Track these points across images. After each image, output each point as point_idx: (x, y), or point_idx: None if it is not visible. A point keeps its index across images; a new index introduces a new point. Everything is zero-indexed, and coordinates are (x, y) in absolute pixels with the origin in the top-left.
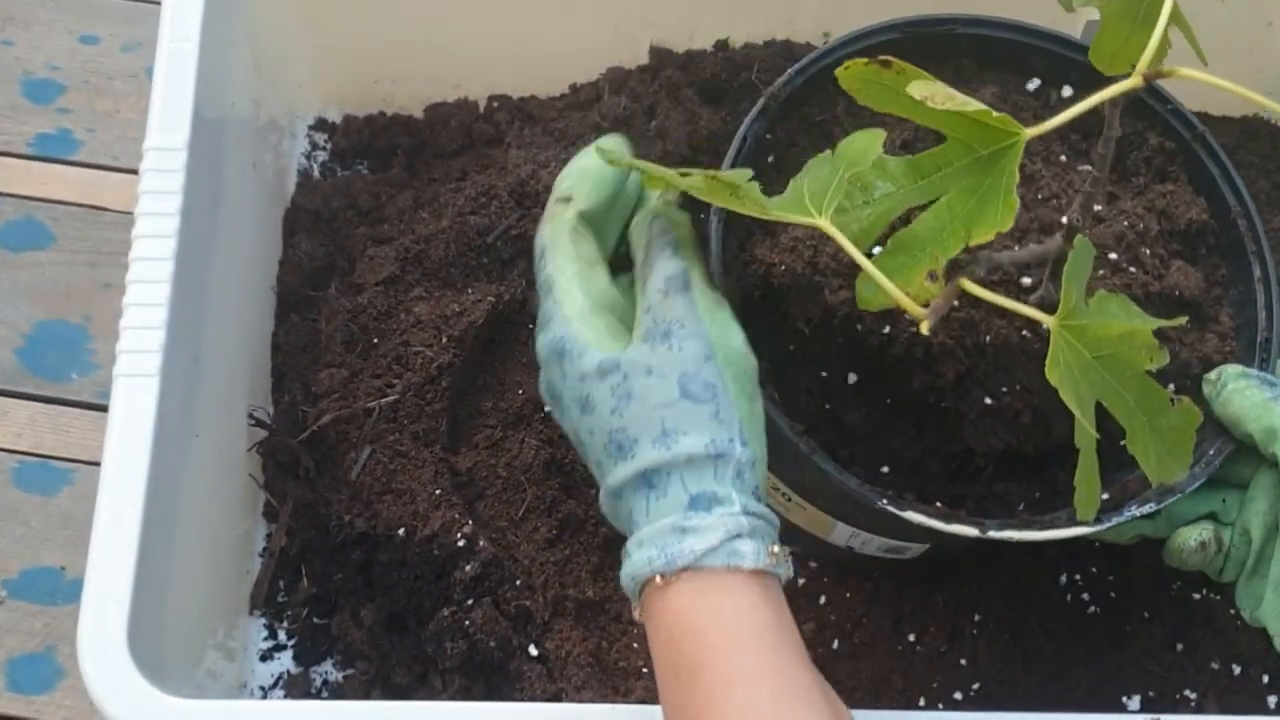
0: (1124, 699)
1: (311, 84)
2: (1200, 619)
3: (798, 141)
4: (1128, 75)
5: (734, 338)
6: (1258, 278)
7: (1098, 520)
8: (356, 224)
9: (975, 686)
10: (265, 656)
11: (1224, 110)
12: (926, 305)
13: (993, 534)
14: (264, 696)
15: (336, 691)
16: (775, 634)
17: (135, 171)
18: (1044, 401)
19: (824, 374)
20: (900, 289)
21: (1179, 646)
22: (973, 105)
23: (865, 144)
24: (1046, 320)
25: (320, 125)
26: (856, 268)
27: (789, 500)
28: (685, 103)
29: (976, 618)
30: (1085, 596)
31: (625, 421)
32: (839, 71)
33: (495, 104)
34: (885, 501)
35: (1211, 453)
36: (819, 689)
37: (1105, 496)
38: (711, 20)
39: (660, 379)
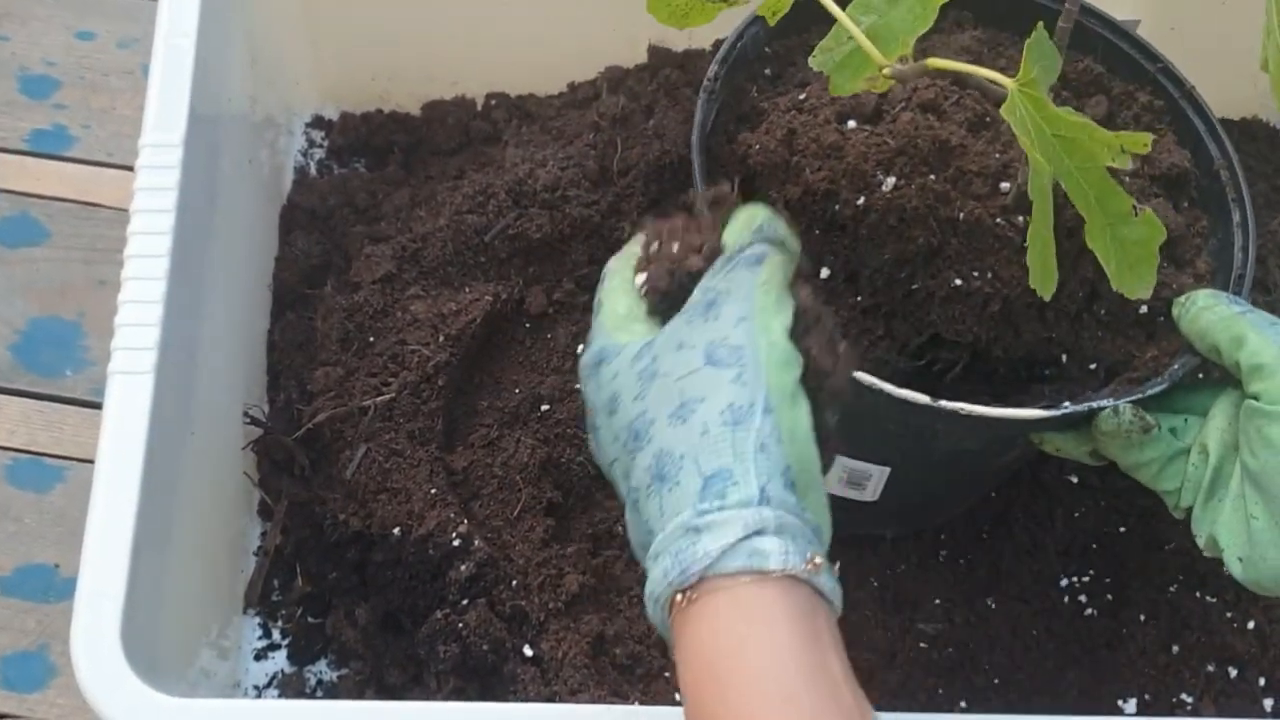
0: (1119, 702)
1: (308, 81)
2: (1196, 622)
3: (796, 61)
4: None
5: (781, 318)
6: (1236, 223)
7: (1055, 406)
8: (353, 222)
9: (973, 689)
10: (259, 655)
11: (1223, 112)
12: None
13: (943, 404)
14: (258, 696)
15: (331, 691)
16: (811, 684)
17: (131, 168)
18: (1014, 293)
19: None
20: (873, 72)
21: (1175, 649)
22: None
23: None
24: (1005, 81)
25: (317, 122)
26: (833, 150)
27: None
28: (683, 102)
29: (973, 619)
30: (1082, 599)
31: (646, 404)
32: None
33: (493, 102)
34: None
35: (1176, 367)
36: None
37: (1067, 404)
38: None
39: (689, 350)
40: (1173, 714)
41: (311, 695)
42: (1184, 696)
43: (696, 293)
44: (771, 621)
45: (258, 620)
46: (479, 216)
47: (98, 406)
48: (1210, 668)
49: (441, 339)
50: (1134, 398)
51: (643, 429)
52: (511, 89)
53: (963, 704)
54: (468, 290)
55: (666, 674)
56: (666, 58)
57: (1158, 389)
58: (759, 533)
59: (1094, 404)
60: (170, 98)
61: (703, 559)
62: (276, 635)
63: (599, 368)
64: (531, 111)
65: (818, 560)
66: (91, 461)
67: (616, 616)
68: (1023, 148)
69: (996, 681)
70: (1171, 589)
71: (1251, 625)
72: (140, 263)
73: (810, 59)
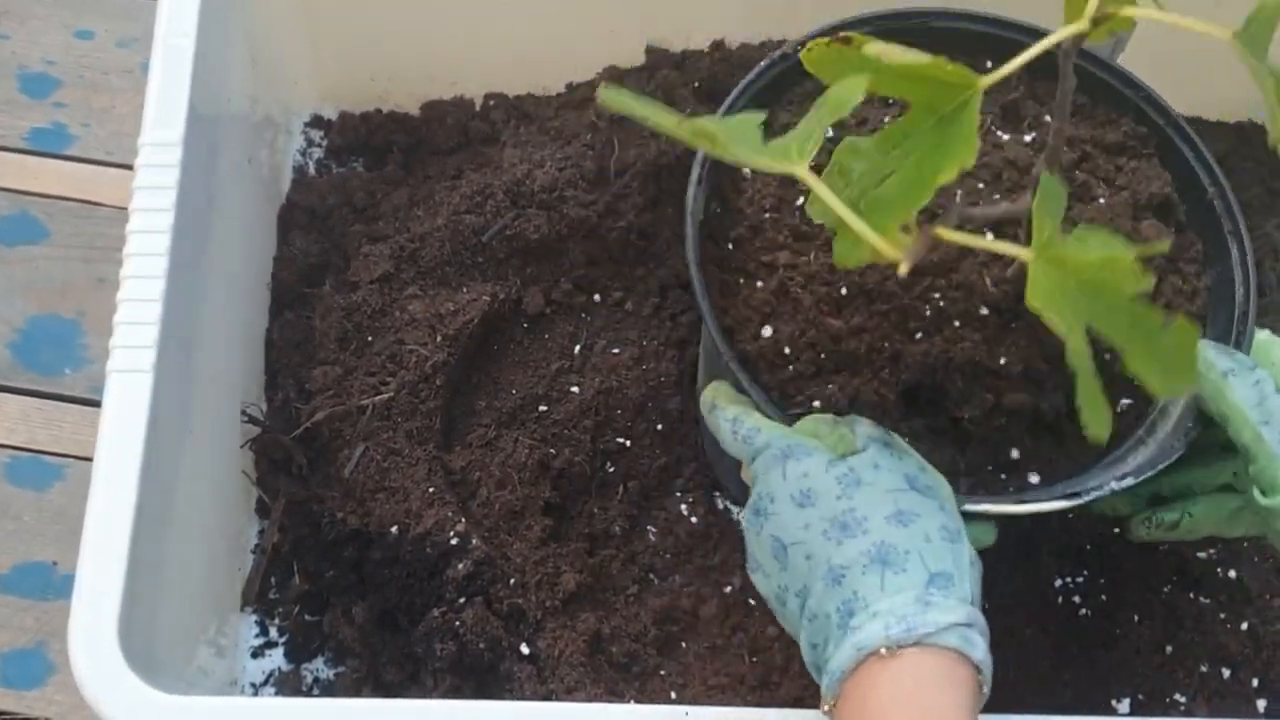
0: (1114, 702)
1: (308, 80)
2: (1190, 622)
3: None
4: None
5: (941, 477)
6: (1235, 259)
7: (1077, 495)
8: (352, 221)
9: None
10: (257, 653)
11: (1218, 115)
12: None
13: (968, 507)
14: (255, 693)
15: (328, 689)
16: None
17: (130, 167)
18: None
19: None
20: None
21: (1169, 649)
22: (925, 58)
23: (846, 90)
24: (1022, 253)
25: (316, 122)
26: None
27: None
28: (681, 103)
29: None
30: (1076, 599)
31: (854, 504)
32: (804, 54)
33: (491, 102)
34: None
35: (1190, 425)
36: None
37: (1060, 493)
38: (708, 21)
39: (889, 473)
40: (1166, 714)
41: (308, 693)
42: (1178, 696)
43: (873, 442)
44: (962, 692)
45: (255, 618)
46: (477, 217)
47: (97, 405)
48: (1204, 668)
49: (439, 339)
50: (1154, 471)
51: (854, 523)
52: (510, 89)
53: None
54: (465, 290)
55: (662, 672)
56: (664, 58)
57: (1171, 459)
58: (970, 625)
59: (1116, 487)
60: (170, 97)
61: (930, 626)
62: (274, 633)
63: (785, 461)
64: (529, 112)
65: (990, 672)
66: (90, 459)
67: (613, 615)
68: (1053, 329)
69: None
70: (1165, 590)
71: (1245, 626)
72: (139, 261)
73: (808, 205)
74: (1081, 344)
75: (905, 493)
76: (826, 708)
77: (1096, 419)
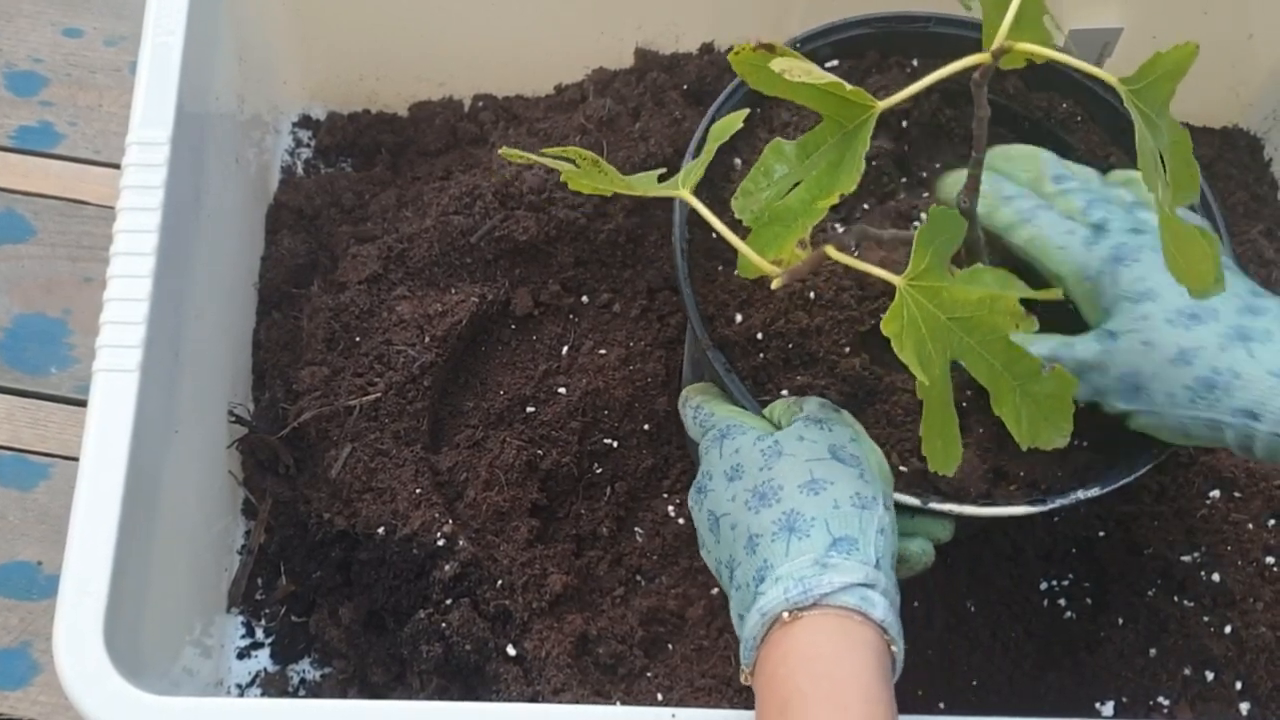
0: (1097, 705)
1: (296, 80)
2: (1174, 625)
3: (758, 145)
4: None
5: (876, 448)
6: None
7: (1041, 502)
8: (339, 222)
9: (952, 690)
10: (242, 654)
11: (1205, 121)
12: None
13: (932, 504)
14: (241, 694)
15: (314, 690)
16: (884, 703)
17: (117, 165)
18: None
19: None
20: (776, 255)
21: (1152, 652)
22: (826, 78)
23: (728, 123)
24: (894, 280)
25: (304, 122)
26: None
27: None
28: (669, 105)
29: (953, 621)
30: (1061, 602)
31: (773, 474)
32: (731, 57)
33: (480, 103)
34: None
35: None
36: None
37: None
38: (698, 23)
39: (811, 444)
40: (1150, 717)
41: (294, 694)
42: (1161, 699)
43: (800, 415)
44: (865, 650)
45: (241, 619)
46: (465, 218)
47: (82, 404)
48: (1187, 670)
49: (427, 339)
50: (1123, 484)
51: (770, 492)
52: (498, 90)
53: (941, 705)
54: (454, 291)
55: (649, 674)
56: (654, 60)
57: (1118, 484)
58: (870, 586)
59: (1083, 496)
60: (157, 95)
61: (826, 587)
62: (260, 634)
63: (722, 440)
64: (518, 113)
65: (897, 625)
66: (76, 459)
67: (599, 616)
68: (903, 360)
69: (975, 683)
70: (1150, 593)
71: (1229, 630)
72: (126, 260)
73: (733, 201)
74: (939, 377)
75: (823, 462)
76: (744, 677)
77: (939, 454)
